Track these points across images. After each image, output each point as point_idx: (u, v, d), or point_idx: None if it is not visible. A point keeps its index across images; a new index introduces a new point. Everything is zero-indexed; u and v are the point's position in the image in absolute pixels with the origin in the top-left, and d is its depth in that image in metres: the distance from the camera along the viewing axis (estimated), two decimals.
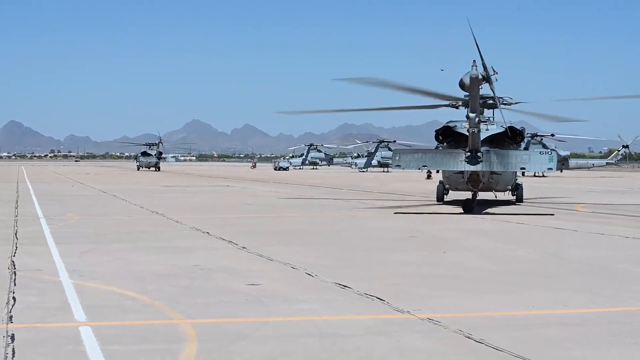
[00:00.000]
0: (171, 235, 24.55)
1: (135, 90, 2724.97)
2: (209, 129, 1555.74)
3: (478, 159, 35.76)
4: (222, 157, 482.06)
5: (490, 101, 39.39)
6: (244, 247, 21.09)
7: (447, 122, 40.56)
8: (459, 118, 40.16)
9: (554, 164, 36.17)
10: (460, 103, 39.15)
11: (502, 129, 39.09)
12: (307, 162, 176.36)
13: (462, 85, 34.13)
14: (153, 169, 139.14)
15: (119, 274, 16.37)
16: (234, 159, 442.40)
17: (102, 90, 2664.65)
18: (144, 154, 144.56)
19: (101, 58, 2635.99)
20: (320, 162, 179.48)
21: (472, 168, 35.90)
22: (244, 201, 43.14)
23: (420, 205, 40.53)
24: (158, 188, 61.54)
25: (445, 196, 43.46)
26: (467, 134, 36.62)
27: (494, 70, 33.71)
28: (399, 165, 36.44)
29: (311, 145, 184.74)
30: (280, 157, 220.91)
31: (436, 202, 42.67)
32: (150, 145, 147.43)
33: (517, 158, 36.00)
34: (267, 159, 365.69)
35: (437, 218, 32.22)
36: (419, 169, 36.69)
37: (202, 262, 18.09)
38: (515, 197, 43.87)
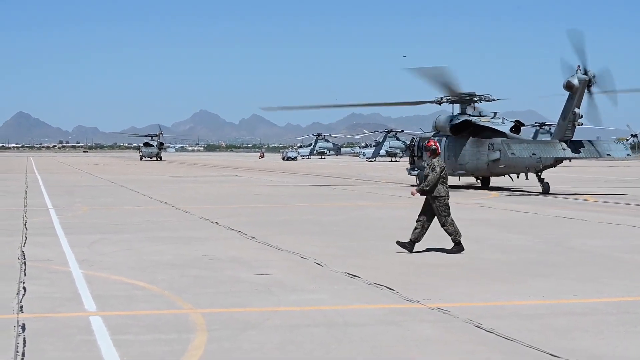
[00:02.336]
0: (180, 225, 24.57)
1: (143, 80, 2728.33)
2: (217, 120, 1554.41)
3: (579, 147, 40.90)
4: (230, 148, 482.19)
5: (475, 98, 47.35)
6: (252, 237, 21.10)
7: (457, 116, 47.18)
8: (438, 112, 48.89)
9: (629, 151, 42.68)
10: (444, 100, 47.61)
11: (512, 123, 45.72)
12: (315, 152, 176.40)
13: (569, 86, 39.72)
14: (155, 158, 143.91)
15: (128, 264, 16.40)
16: (242, 149, 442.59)
17: (110, 81, 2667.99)
18: (146, 144, 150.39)
19: (109, 49, 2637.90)
20: (328, 152, 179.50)
21: (575, 155, 40.97)
22: (252, 191, 43.17)
23: None
24: (166, 178, 61.60)
25: None
26: (488, 125, 45.15)
27: (593, 75, 39.39)
28: (513, 154, 41.30)
29: (319, 135, 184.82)
30: (288, 147, 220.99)
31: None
32: (151, 136, 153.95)
33: (604, 146, 41.86)
34: (275, 149, 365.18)
35: None
36: (530, 156, 41.59)
37: (211, 252, 18.10)
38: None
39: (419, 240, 18.37)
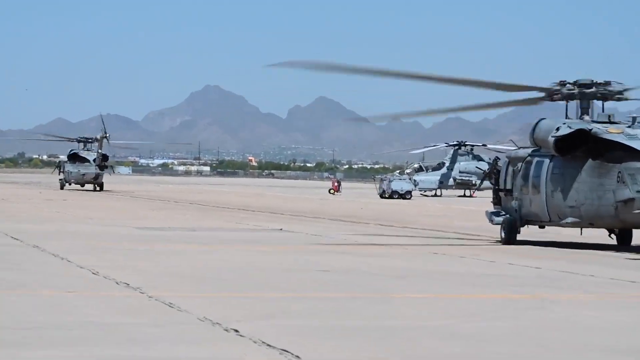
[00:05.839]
0: (159, 334, 24.74)
1: (83, 36, 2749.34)
2: (242, 107, 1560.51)
3: None
4: (269, 169, 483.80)
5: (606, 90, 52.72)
6: None
7: (569, 123, 52.87)
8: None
9: None
10: (563, 90, 53.20)
11: None
12: (451, 180, 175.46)
13: None
14: (93, 186, 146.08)
15: None
16: (294, 171, 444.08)
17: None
18: (74, 158, 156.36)
19: None
20: (478, 181, 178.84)
21: None
22: (312, 264, 43.22)
23: None
24: (130, 232, 62.04)
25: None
26: (617, 140, 50.69)
27: None
28: (639, 192, 46.52)
29: (460, 144, 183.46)
30: (392, 172, 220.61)
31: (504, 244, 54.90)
32: (86, 141, 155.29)
33: None
34: (363, 174, 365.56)
35: None
36: None
37: None
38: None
39: None
